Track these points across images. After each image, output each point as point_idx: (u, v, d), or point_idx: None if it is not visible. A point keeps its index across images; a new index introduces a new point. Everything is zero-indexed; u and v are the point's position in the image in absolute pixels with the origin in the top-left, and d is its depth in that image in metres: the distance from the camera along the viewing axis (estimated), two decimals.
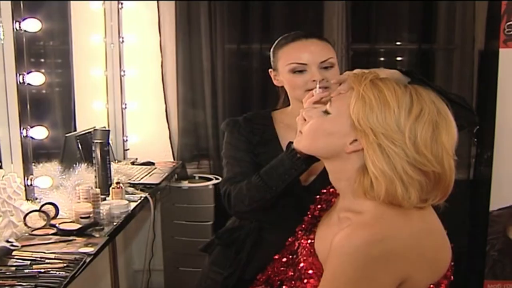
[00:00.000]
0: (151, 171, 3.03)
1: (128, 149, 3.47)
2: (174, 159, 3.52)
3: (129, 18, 3.40)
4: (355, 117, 1.21)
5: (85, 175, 2.51)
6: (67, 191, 2.32)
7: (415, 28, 3.46)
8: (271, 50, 1.83)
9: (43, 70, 2.20)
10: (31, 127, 2.16)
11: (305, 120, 1.40)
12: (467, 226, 3.35)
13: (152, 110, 3.52)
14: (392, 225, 1.17)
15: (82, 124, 2.99)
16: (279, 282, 1.56)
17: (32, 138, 2.17)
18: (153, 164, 3.28)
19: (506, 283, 3.19)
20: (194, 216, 3.31)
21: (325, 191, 1.54)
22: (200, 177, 3.46)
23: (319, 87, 1.62)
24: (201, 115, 3.45)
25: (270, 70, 1.84)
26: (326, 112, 1.30)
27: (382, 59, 3.58)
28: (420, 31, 3.44)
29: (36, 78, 2.12)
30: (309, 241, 1.39)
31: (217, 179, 3.36)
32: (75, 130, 2.96)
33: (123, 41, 3.36)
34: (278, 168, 1.57)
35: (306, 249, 1.36)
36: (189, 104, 3.47)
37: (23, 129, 2.12)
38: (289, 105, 1.87)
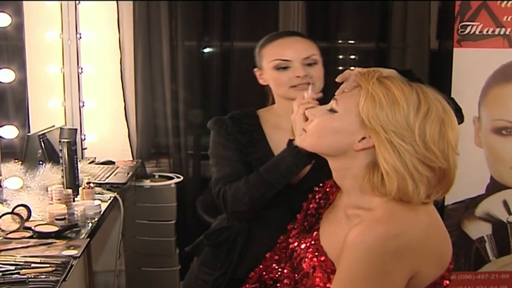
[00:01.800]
0: (114, 170, 2.97)
1: (85, 148, 3.38)
2: (132, 157, 3.45)
3: (86, 14, 3.30)
4: (365, 115, 1.23)
5: (50, 175, 2.44)
6: (35, 192, 2.25)
7: (371, 26, 3.55)
8: (256, 49, 1.85)
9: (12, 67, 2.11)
10: (1, 126, 2.08)
11: (306, 119, 1.42)
12: None
13: (110, 108, 3.44)
14: (404, 220, 1.21)
15: (38, 123, 2.89)
16: (271, 282, 1.57)
17: (1, 137, 2.09)
18: (113, 163, 3.22)
19: (460, 274, 3.32)
20: (156, 215, 3.26)
21: (317, 189, 1.57)
22: (160, 176, 3.41)
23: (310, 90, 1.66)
24: (161, 113, 3.41)
25: (255, 69, 1.86)
26: (333, 111, 1.31)
27: (340, 56, 3.63)
28: (376, 29, 3.52)
29: (5, 75, 2.04)
30: (313, 239, 1.40)
31: (178, 177, 3.32)
32: (29, 129, 2.86)
33: (80, 37, 3.27)
34: (280, 165, 1.59)
35: (312, 247, 1.38)
36: (148, 101, 3.41)
37: None
38: (273, 103, 1.89)
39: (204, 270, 1.86)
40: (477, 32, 3.10)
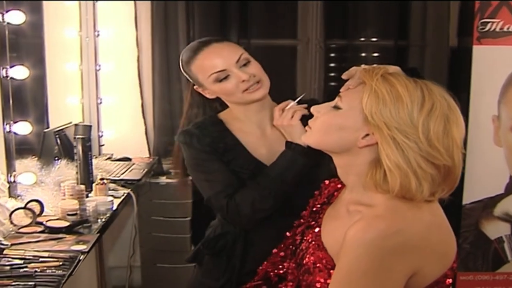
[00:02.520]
0: (129, 167, 2.99)
1: (103, 145, 3.42)
2: (149, 154, 3.48)
3: (104, 12, 3.34)
4: (368, 111, 1.22)
5: (65, 171, 2.47)
6: (49, 187, 2.28)
7: (390, 24, 3.52)
8: (182, 69, 1.75)
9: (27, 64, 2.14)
10: (15, 122, 2.10)
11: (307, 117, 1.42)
12: None
13: (127, 105, 3.47)
14: (406, 217, 1.19)
15: (56, 119, 2.92)
16: (277, 278, 1.57)
17: (15, 133, 2.11)
18: (130, 159, 3.24)
19: (477, 274, 3.28)
20: (172, 212, 3.28)
21: (324, 185, 1.56)
22: (176, 173, 3.42)
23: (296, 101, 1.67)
24: (178, 110, 3.42)
25: (195, 87, 1.76)
26: (337, 107, 1.30)
27: (357, 55, 3.61)
28: (395, 27, 3.49)
29: (19, 72, 2.06)
30: (314, 235, 1.39)
31: None
32: (48, 125, 2.90)
33: (98, 35, 3.30)
34: (293, 165, 1.64)
35: (313, 243, 1.37)
36: (165, 99, 3.43)
37: (6, 124, 2.07)
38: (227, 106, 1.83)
39: (206, 281, 1.82)
40: (497, 29, 3.04)
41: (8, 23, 2.04)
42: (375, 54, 3.69)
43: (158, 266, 3.33)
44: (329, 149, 1.34)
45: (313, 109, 1.38)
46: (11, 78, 2.07)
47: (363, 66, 1.35)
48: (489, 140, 3.13)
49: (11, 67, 2.06)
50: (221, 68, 1.64)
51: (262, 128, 1.77)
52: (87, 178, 2.43)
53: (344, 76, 1.37)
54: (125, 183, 2.68)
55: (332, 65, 3.67)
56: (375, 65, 1.35)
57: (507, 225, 3.23)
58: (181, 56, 1.74)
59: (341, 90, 1.34)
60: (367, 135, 1.24)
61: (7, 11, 2.01)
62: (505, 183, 3.20)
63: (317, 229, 1.41)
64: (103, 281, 2.86)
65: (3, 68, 2.02)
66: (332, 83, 3.65)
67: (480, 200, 3.21)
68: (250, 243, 1.76)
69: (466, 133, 3.02)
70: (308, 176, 1.69)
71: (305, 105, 1.64)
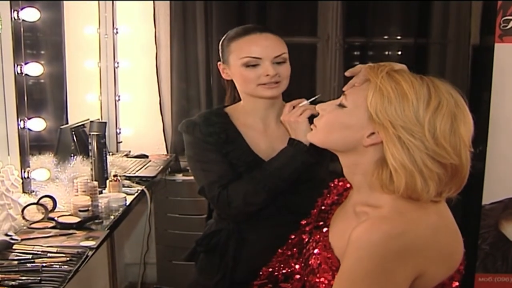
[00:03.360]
0: (145, 164, 3.00)
1: (121, 142, 3.43)
2: (167, 152, 3.49)
3: (123, 9, 3.36)
4: (373, 110, 1.20)
5: (80, 168, 2.48)
6: (63, 183, 2.29)
7: (410, 22, 3.47)
8: (221, 42, 1.80)
9: (42, 62, 2.15)
10: (29, 119, 2.12)
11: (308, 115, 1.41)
12: (459, 220, 3.37)
13: (145, 103, 3.48)
14: (411, 219, 1.17)
15: (75, 116, 2.95)
16: (283, 277, 1.55)
17: (29, 129, 2.13)
18: (146, 157, 3.25)
19: (497, 276, 3.22)
20: (188, 209, 3.28)
21: (333, 185, 1.54)
22: None
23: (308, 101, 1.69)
24: (195, 108, 3.42)
25: (219, 63, 1.81)
26: (342, 106, 1.28)
27: (377, 52, 3.58)
28: (416, 25, 3.44)
29: (34, 69, 2.08)
30: (322, 235, 1.37)
31: None
32: (67, 122, 2.92)
33: (117, 32, 3.32)
34: (292, 162, 1.64)
35: (320, 243, 1.35)
36: (183, 96, 3.43)
37: (20, 120, 2.09)
38: (236, 100, 1.86)
39: (202, 278, 1.84)
40: None
41: (23, 20, 2.05)
42: (397, 52, 3.65)
43: (173, 263, 3.34)
44: (334, 148, 1.33)
45: (318, 107, 1.36)
46: (26, 74, 2.08)
47: (369, 64, 1.33)
48: (510, 139, 3.08)
49: (25, 63, 2.07)
50: (258, 55, 1.68)
51: (267, 124, 1.80)
52: (101, 174, 2.44)
53: (347, 74, 1.35)
54: (139, 180, 2.68)
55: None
56: (384, 62, 1.33)
57: None
58: (228, 33, 1.79)
59: (345, 88, 1.32)
60: (373, 133, 1.22)
61: (22, 9, 2.03)
62: None
63: (325, 229, 1.39)
64: (115, 278, 2.87)
65: (17, 65, 2.03)
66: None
67: (500, 200, 3.15)
68: (243, 241, 1.76)
69: (487, 131, 3.01)
70: (305, 174, 1.70)
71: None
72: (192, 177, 3.20)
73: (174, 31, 3.35)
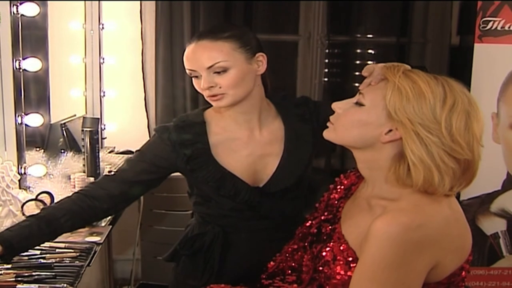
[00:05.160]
0: None
1: (105, 138, 3.42)
2: None
3: (109, 5, 3.34)
4: (392, 107, 1.25)
5: (71, 164, 2.48)
6: (57, 179, 2.29)
7: (392, 21, 3.56)
8: None
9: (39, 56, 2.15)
10: (26, 114, 2.11)
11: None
12: None
13: (130, 99, 3.47)
14: (428, 211, 1.23)
15: (59, 112, 2.92)
16: (290, 270, 1.59)
17: (26, 125, 2.12)
18: (132, 152, 3.24)
19: (473, 269, 3.31)
20: (173, 205, 3.28)
21: (339, 179, 1.58)
22: None
23: None
24: (180, 105, 3.43)
25: None
26: (359, 104, 1.33)
27: (358, 51, 3.65)
28: (397, 24, 3.53)
29: (33, 64, 2.07)
30: (334, 228, 1.42)
31: None
32: (49, 118, 2.90)
33: (103, 28, 3.30)
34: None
35: (333, 236, 1.39)
36: (168, 93, 3.43)
37: (18, 116, 2.07)
38: None
39: (186, 281, 1.79)
40: (498, 28, 3.07)
41: (22, 15, 2.04)
42: (376, 51, 3.72)
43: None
44: (351, 145, 1.37)
45: (334, 105, 1.40)
46: (24, 70, 2.07)
47: (381, 63, 1.38)
48: (487, 137, 3.16)
49: (24, 59, 2.06)
50: (192, 68, 1.60)
51: (250, 129, 1.69)
52: (94, 170, 2.44)
53: (364, 73, 1.39)
54: None
55: (333, 61, 3.70)
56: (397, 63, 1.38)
57: (503, 221, 3.27)
58: None
59: (361, 87, 1.36)
60: (391, 130, 1.27)
61: (21, 3, 2.01)
62: (502, 179, 3.23)
63: (336, 223, 1.43)
64: (111, 273, 2.88)
65: (16, 60, 2.02)
66: (333, 79, 3.68)
67: (477, 196, 3.24)
68: (228, 245, 1.72)
69: None
70: (279, 181, 1.69)
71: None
72: (178, 174, 3.28)
73: (160, 27, 3.35)
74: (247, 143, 1.68)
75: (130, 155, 2.82)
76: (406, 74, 1.28)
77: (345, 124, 1.35)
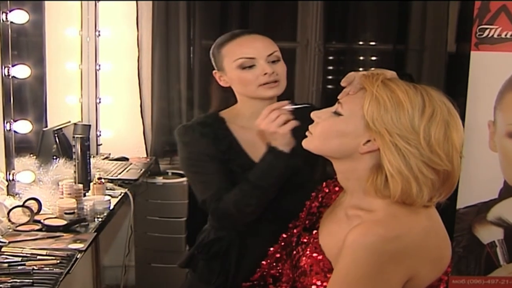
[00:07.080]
0: (127, 167, 3.00)
1: (101, 144, 3.42)
2: (147, 154, 3.49)
3: (106, 12, 3.35)
4: (370, 118, 1.23)
5: (63, 170, 2.48)
6: (47, 186, 2.28)
7: (389, 28, 3.55)
8: (211, 52, 1.78)
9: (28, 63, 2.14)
10: (15, 121, 2.11)
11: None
12: None
13: (126, 105, 3.48)
14: (404, 223, 1.21)
15: (55, 119, 2.93)
16: (271, 279, 1.58)
17: (15, 132, 2.12)
18: (127, 159, 3.25)
19: (470, 278, 3.29)
20: (168, 212, 3.29)
21: (320, 188, 1.57)
22: (173, 173, 3.44)
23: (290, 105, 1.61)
24: (176, 111, 3.43)
25: (214, 71, 1.78)
26: (338, 113, 1.31)
27: (356, 58, 3.64)
28: (394, 32, 3.52)
29: (21, 71, 2.07)
30: (312, 237, 1.41)
31: None
32: (46, 124, 2.90)
33: (99, 35, 3.30)
34: (272, 170, 1.60)
35: (310, 245, 1.38)
36: (164, 100, 3.44)
37: (6, 122, 2.07)
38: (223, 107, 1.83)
39: (202, 283, 1.80)
40: (495, 36, 3.06)
41: (11, 22, 2.04)
42: (374, 58, 3.72)
43: (152, 266, 3.34)
44: (330, 155, 1.35)
45: (313, 114, 1.38)
46: (13, 77, 2.07)
47: (361, 72, 1.36)
48: (484, 145, 3.15)
49: (13, 66, 2.06)
50: (251, 56, 1.66)
51: None
52: (85, 177, 2.43)
53: (342, 83, 1.37)
54: (122, 183, 2.68)
55: (330, 68, 3.69)
56: (373, 69, 1.37)
57: (500, 230, 3.24)
58: (216, 40, 1.76)
59: (339, 97, 1.34)
60: (369, 141, 1.25)
61: (10, 11, 2.02)
62: (499, 188, 3.21)
63: (314, 232, 1.42)
64: (99, 280, 2.87)
65: (5, 67, 2.02)
66: (330, 86, 3.67)
67: (474, 204, 3.22)
68: (244, 249, 1.74)
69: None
70: (297, 180, 1.69)
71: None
72: (171, 180, 3.29)
73: (157, 34, 3.36)
74: (263, 140, 1.71)
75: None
76: (385, 83, 1.26)
77: (323, 134, 1.33)
